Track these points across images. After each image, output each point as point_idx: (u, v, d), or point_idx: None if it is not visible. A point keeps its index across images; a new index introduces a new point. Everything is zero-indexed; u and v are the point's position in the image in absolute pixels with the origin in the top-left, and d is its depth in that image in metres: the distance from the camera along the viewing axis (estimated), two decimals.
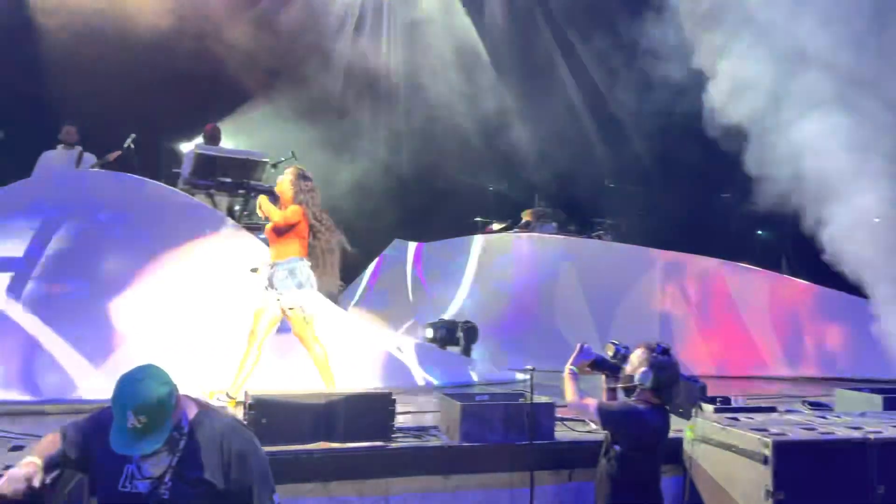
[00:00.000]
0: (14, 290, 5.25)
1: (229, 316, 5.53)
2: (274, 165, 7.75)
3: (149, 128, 8.70)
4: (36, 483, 2.37)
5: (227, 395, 4.83)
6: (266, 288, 4.95)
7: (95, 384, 4.90)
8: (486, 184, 11.19)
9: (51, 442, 2.53)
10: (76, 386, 4.99)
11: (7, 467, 2.57)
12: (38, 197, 5.95)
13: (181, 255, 5.84)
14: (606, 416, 3.42)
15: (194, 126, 9.12)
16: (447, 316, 8.17)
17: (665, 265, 8.68)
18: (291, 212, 4.93)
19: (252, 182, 7.50)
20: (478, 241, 9.77)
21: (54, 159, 7.71)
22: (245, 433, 2.57)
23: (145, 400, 2.24)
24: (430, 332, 7.46)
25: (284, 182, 5.04)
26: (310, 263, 4.97)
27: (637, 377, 3.43)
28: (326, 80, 10.98)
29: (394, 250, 10.27)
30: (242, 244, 6.20)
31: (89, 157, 7.75)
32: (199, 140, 8.20)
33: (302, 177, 5.04)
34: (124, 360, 4.77)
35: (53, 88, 8.62)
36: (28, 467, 2.41)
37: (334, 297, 8.06)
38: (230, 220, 6.63)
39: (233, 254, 6.04)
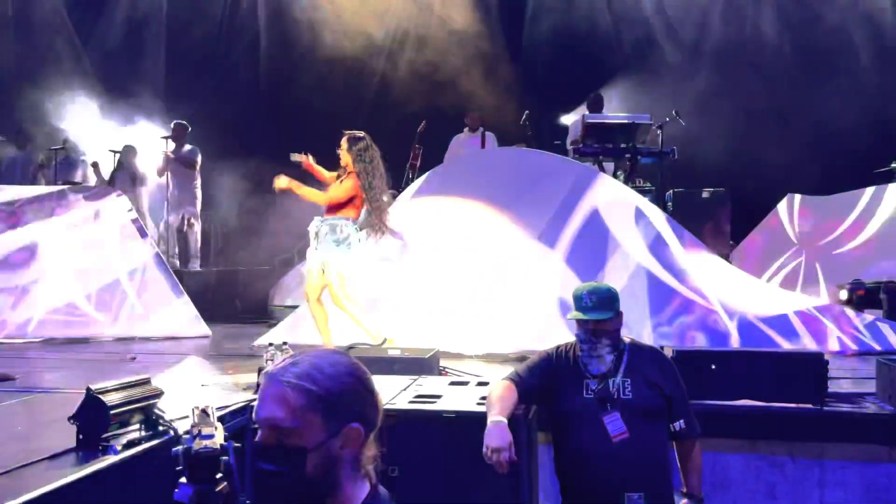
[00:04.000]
0: None
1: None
2: (659, 127, 7.72)
3: (537, 104, 9.45)
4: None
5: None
6: (313, 244, 5.14)
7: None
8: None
9: (507, 395, 2.88)
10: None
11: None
12: (461, 173, 6.91)
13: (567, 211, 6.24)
14: None
15: (576, 97, 9.59)
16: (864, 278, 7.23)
17: None
18: (343, 190, 5.07)
19: (637, 145, 7.58)
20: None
21: (462, 141, 8.93)
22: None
23: (597, 287, 3.00)
24: (844, 294, 6.74)
25: (342, 150, 5.16)
26: (357, 226, 5.08)
27: None
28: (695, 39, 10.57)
29: (784, 207, 9.45)
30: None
31: (490, 137, 8.74)
32: (584, 110, 8.58)
33: (353, 140, 5.12)
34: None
35: (457, 82, 9.86)
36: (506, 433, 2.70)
37: (725, 256, 7.77)
38: (608, 178, 6.81)
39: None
